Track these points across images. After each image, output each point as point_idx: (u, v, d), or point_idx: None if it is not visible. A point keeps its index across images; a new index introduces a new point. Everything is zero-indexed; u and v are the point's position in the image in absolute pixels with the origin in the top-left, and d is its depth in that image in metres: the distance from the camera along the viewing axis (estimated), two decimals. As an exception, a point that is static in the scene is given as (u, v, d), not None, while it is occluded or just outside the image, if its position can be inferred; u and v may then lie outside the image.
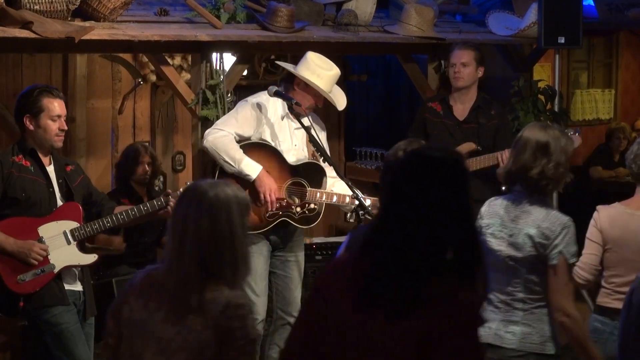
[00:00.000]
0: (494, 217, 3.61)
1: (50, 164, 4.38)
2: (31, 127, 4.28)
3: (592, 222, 3.99)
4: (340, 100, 5.05)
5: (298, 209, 4.91)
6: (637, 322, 2.51)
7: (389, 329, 2.24)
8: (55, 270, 4.26)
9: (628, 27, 8.66)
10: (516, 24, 6.39)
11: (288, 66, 5.03)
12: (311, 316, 2.43)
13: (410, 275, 2.25)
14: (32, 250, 4.20)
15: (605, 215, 3.95)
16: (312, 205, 4.94)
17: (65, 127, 4.36)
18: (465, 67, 5.58)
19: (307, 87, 4.90)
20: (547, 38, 6.14)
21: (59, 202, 4.35)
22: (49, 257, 4.25)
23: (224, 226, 2.65)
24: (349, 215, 4.68)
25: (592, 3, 7.06)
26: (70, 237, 4.31)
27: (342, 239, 6.47)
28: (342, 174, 4.61)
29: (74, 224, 4.33)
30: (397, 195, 2.35)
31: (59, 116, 4.30)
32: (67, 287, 4.32)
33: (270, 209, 4.82)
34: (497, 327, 3.55)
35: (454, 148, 5.49)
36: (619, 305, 3.09)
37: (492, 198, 3.72)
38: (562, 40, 6.18)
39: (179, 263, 2.66)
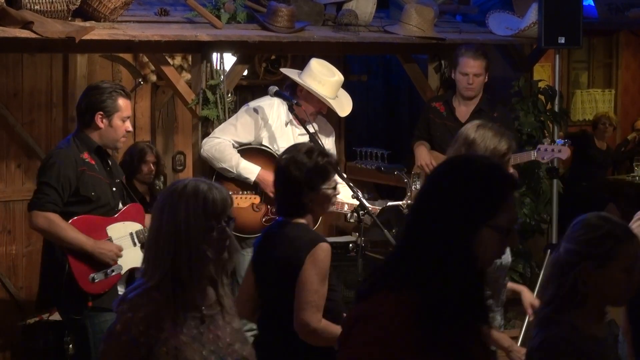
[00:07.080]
0: None
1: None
2: (102, 125, 4.17)
3: None
4: (345, 106, 5.08)
5: None
6: None
7: None
8: (122, 272, 4.18)
9: (628, 27, 8.66)
10: (516, 24, 6.39)
11: (291, 74, 5.04)
12: None
13: None
14: (112, 251, 4.12)
15: None
16: None
17: (131, 129, 4.31)
18: (477, 78, 5.58)
19: (310, 94, 4.93)
20: (547, 38, 6.13)
21: (119, 203, 4.28)
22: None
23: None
24: (349, 215, 4.68)
25: (592, 3, 7.06)
26: (136, 238, 4.25)
27: (343, 238, 6.49)
28: (343, 175, 4.61)
29: (139, 226, 4.29)
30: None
31: (128, 117, 4.25)
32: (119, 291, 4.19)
33: None
34: None
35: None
36: None
37: None
38: (562, 40, 6.17)
39: None
